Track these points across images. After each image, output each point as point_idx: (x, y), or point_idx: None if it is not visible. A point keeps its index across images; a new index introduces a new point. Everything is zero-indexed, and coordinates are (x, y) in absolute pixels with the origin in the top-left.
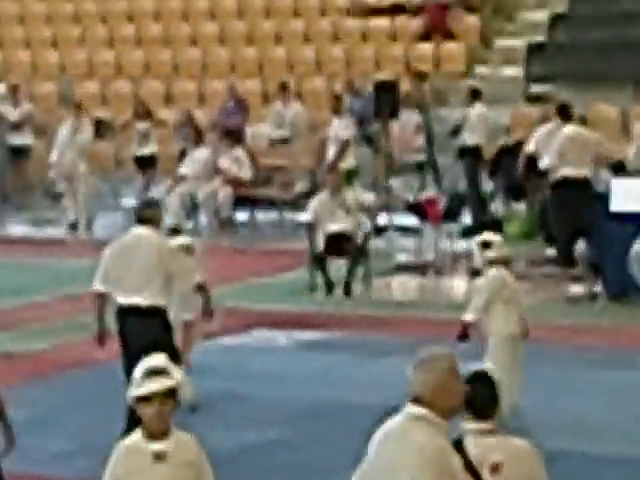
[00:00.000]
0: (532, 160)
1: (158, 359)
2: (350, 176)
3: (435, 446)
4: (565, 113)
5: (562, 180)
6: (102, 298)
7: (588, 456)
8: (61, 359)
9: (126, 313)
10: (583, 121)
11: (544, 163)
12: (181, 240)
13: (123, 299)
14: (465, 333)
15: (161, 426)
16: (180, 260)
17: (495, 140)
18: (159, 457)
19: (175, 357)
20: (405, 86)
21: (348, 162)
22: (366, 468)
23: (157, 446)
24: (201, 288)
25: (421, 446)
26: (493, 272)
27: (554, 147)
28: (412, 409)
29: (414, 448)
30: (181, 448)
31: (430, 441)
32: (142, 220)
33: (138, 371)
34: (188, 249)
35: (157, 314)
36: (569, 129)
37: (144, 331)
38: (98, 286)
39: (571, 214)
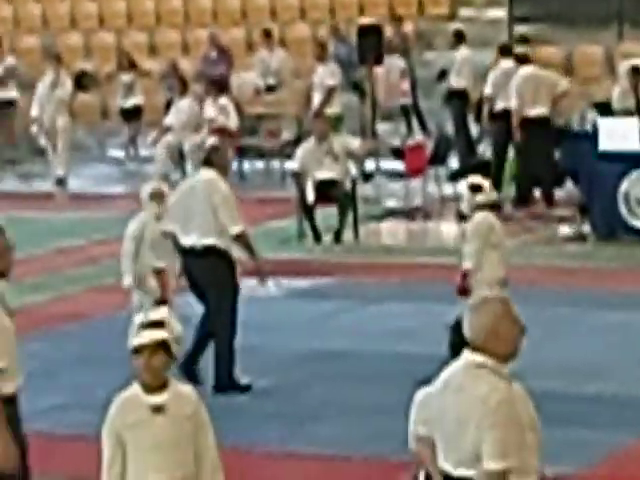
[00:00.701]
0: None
1: (158, 312)
2: (336, 123)
3: (498, 396)
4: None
5: (523, 120)
6: (171, 236)
7: (578, 397)
8: (57, 313)
9: (186, 254)
10: (523, 60)
11: (511, 104)
12: (151, 186)
13: (186, 240)
14: (464, 284)
15: (153, 379)
16: (230, 204)
17: (481, 83)
18: (158, 410)
19: (228, 295)
20: (389, 31)
21: (334, 109)
22: (431, 416)
23: (155, 399)
24: (240, 237)
25: (484, 398)
26: (481, 216)
27: (512, 88)
28: (470, 356)
29: (478, 400)
30: (180, 401)
31: (492, 391)
32: (206, 163)
33: (135, 323)
34: (156, 196)
35: (214, 254)
36: (525, 70)
37: (198, 271)
38: (165, 226)
39: (531, 156)
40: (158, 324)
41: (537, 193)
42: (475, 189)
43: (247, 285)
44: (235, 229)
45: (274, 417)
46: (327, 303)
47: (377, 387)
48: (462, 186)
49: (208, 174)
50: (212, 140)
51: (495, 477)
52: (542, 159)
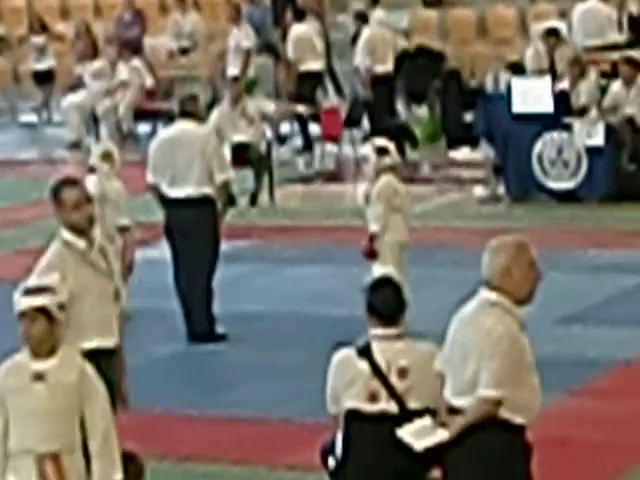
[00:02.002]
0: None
1: (48, 278)
2: (251, 86)
3: (503, 329)
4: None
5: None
6: (155, 189)
7: None
8: None
9: (173, 204)
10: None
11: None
12: (102, 147)
13: (170, 191)
14: (372, 247)
15: (35, 345)
16: (221, 154)
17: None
18: (37, 377)
19: (216, 242)
20: None
21: (248, 72)
22: (446, 353)
23: (38, 365)
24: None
25: (489, 330)
26: (385, 179)
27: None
28: (484, 294)
29: (482, 332)
30: (63, 369)
31: (498, 324)
32: (184, 114)
33: (19, 289)
34: (107, 156)
35: (204, 203)
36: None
37: (191, 220)
38: (149, 178)
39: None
40: (42, 290)
41: (453, 154)
42: (381, 151)
43: (163, 247)
44: (223, 176)
45: (189, 381)
46: (242, 266)
47: (293, 349)
48: (367, 148)
49: (191, 125)
50: (184, 91)
51: (487, 405)
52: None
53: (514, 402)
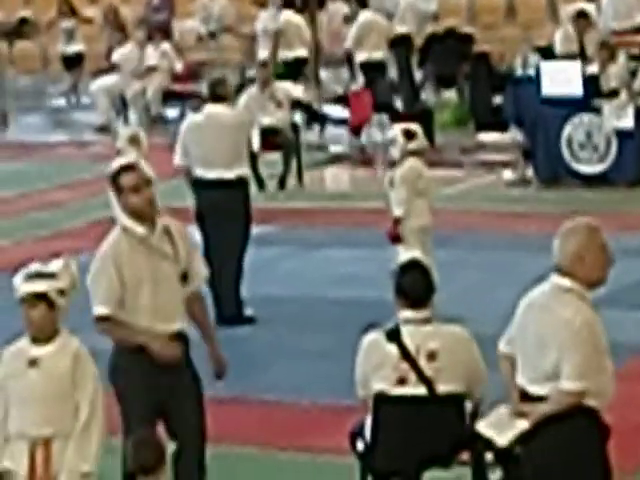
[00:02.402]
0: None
1: (52, 264)
2: (283, 70)
3: (581, 319)
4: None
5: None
6: (186, 172)
7: None
8: None
9: (205, 186)
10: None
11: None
12: (129, 131)
13: (201, 172)
14: (396, 231)
15: (34, 330)
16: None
17: (424, 29)
18: (32, 363)
19: (247, 224)
20: None
21: (296, 52)
22: (514, 335)
23: (35, 351)
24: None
25: (568, 320)
26: (410, 163)
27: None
28: (556, 279)
29: (561, 322)
30: (57, 355)
31: (577, 314)
32: (214, 97)
33: (20, 273)
34: (134, 140)
35: (236, 184)
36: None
37: (223, 202)
38: (178, 161)
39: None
40: (42, 275)
41: (482, 137)
42: (409, 135)
43: (194, 233)
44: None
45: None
46: (271, 249)
47: (321, 333)
48: (394, 132)
49: (221, 108)
50: (213, 74)
51: (571, 397)
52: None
53: (595, 388)
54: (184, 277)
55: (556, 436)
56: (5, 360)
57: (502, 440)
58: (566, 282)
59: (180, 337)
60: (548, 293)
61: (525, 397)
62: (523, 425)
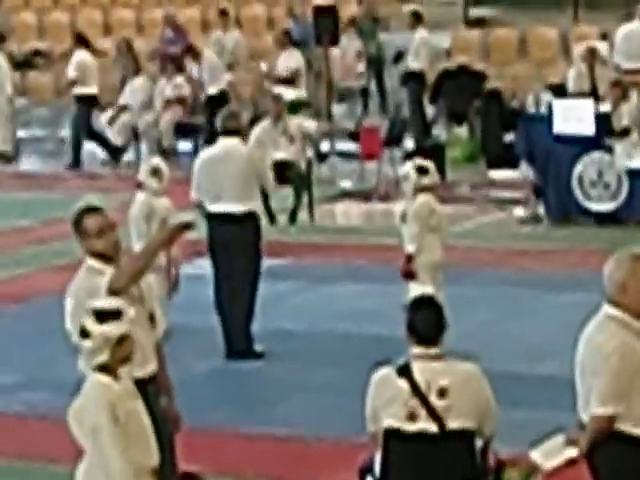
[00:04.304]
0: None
1: (112, 301)
2: (297, 106)
3: (614, 345)
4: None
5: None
6: (200, 206)
7: (534, 378)
8: (7, 292)
9: (217, 220)
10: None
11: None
12: (151, 163)
13: (213, 207)
14: (409, 267)
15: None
16: (265, 165)
17: (436, 65)
18: None
19: (257, 259)
20: (346, 11)
21: (299, 93)
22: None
23: None
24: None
25: (599, 345)
26: (423, 199)
27: None
28: (605, 309)
29: (595, 348)
30: None
31: (611, 339)
32: (227, 132)
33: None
34: (156, 172)
35: (248, 219)
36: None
37: (234, 237)
38: (193, 196)
39: None
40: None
41: (493, 174)
42: (421, 171)
43: (200, 264)
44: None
45: (227, 398)
46: (281, 284)
47: (331, 367)
48: (407, 167)
49: (234, 141)
50: (229, 107)
51: (598, 422)
52: None
53: (637, 415)
54: (151, 318)
55: (596, 464)
56: None
57: (547, 465)
58: (612, 311)
59: (152, 380)
60: (595, 323)
61: (581, 426)
62: (571, 453)
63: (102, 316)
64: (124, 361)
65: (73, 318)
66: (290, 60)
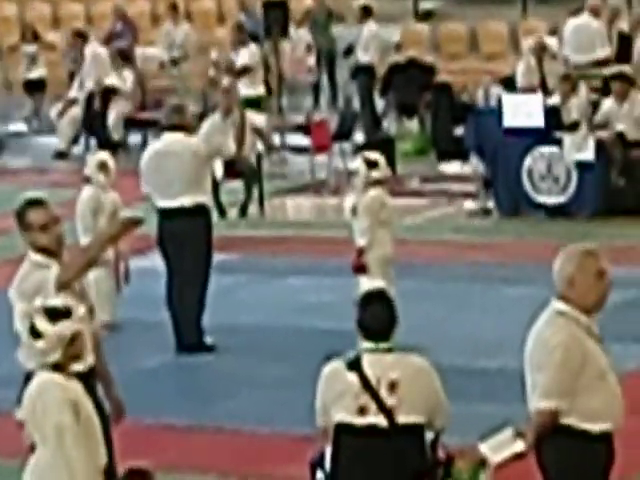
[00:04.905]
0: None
1: (58, 299)
2: (258, 102)
3: (559, 339)
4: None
5: None
6: (150, 200)
7: (484, 371)
8: None
9: (166, 215)
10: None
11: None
12: (98, 157)
13: (162, 201)
14: (360, 262)
15: None
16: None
17: (386, 58)
18: None
19: (208, 253)
20: (300, 4)
21: (258, 90)
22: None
23: None
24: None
25: (545, 340)
26: (373, 193)
27: None
28: (554, 304)
29: (540, 343)
30: None
31: (556, 334)
32: (170, 126)
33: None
34: (103, 166)
35: (197, 213)
36: None
37: (184, 230)
38: (143, 189)
39: None
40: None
41: (443, 167)
42: (371, 164)
43: (151, 258)
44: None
45: (178, 392)
46: (232, 277)
47: (282, 361)
48: (357, 161)
49: (179, 136)
50: (172, 102)
51: (541, 416)
52: None
53: (584, 410)
54: (90, 311)
55: (543, 458)
56: None
57: (495, 458)
58: (560, 306)
59: (92, 373)
60: (545, 318)
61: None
62: (519, 446)
63: (53, 315)
64: (75, 359)
65: (23, 320)
66: (246, 56)
